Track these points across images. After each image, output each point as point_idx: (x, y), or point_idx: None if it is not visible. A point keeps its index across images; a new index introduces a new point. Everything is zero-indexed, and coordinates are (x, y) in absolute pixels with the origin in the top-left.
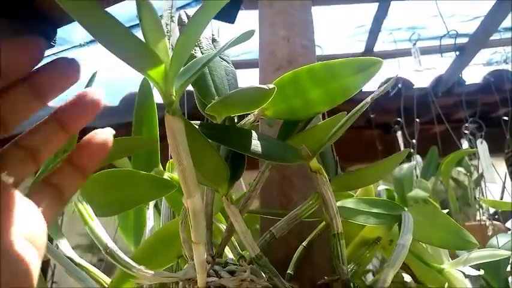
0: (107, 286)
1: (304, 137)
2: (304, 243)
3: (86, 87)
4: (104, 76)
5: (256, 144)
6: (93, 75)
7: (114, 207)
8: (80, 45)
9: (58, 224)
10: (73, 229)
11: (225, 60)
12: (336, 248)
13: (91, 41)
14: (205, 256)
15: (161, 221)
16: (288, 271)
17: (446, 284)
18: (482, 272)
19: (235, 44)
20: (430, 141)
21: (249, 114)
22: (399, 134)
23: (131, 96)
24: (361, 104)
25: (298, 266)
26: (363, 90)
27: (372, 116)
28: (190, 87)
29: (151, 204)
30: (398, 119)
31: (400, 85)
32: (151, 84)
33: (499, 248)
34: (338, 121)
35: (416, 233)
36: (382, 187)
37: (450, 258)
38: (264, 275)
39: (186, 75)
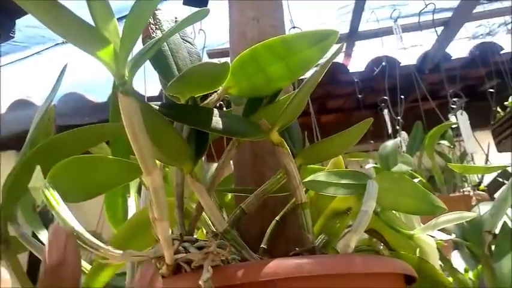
0: (87, 272)
1: (265, 113)
2: (277, 218)
3: (56, 80)
4: (92, 71)
5: (216, 121)
6: (63, 70)
7: (84, 192)
8: (63, 43)
9: (38, 215)
10: None
11: (188, 41)
12: (302, 218)
13: None
14: (170, 232)
15: (141, 206)
16: (262, 245)
17: (418, 249)
18: (453, 236)
19: (189, 23)
20: (419, 118)
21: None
22: (386, 112)
23: None
24: (312, 73)
25: (273, 240)
26: (350, 71)
27: (360, 96)
28: None
29: (132, 192)
30: (385, 97)
31: (384, 63)
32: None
33: (481, 216)
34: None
35: (385, 200)
36: (369, 165)
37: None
38: (233, 249)
39: (137, 55)
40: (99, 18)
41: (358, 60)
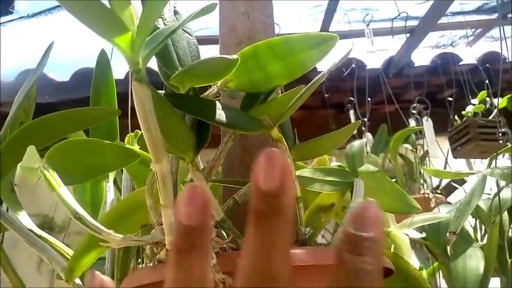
0: (68, 257)
1: (265, 109)
2: None
3: (42, 57)
4: (55, 49)
5: (220, 114)
6: (49, 47)
7: (80, 175)
8: (28, 16)
9: (16, 196)
10: None
11: (187, 32)
12: (296, 211)
13: (39, 13)
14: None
15: (122, 194)
16: None
17: (393, 245)
18: (424, 234)
19: (198, 16)
20: (382, 120)
21: (212, 86)
22: (351, 112)
23: (83, 72)
24: (318, 76)
25: None
26: (318, 70)
27: (326, 95)
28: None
29: (111, 177)
30: (351, 98)
31: (353, 65)
32: (109, 58)
33: None
34: (296, 94)
35: (367, 198)
36: (334, 163)
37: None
38: (227, 238)
39: (152, 44)
40: (117, 5)
41: (326, 60)
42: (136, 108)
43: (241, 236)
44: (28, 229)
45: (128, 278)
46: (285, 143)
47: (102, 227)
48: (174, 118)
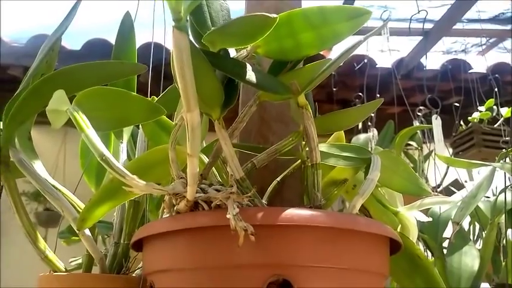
0: (78, 209)
1: (292, 76)
2: (278, 179)
3: (69, 12)
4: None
5: (250, 75)
6: (75, 5)
7: (106, 123)
8: None
9: (33, 144)
10: None
11: None
12: (313, 177)
13: None
14: (198, 170)
15: (136, 153)
16: (263, 201)
17: (400, 226)
18: (430, 219)
19: None
20: (387, 120)
21: (241, 50)
22: None
23: (94, 42)
24: (355, 42)
25: (271, 199)
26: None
27: (334, 89)
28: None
29: (126, 138)
30: (360, 94)
31: (366, 60)
32: (133, 20)
33: (440, 214)
34: (323, 65)
35: (381, 176)
36: None
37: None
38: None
39: None
40: None
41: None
42: (174, 56)
43: (258, 197)
44: (43, 178)
45: (145, 227)
46: (310, 109)
47: (127, 172)
48: (207, 71)
